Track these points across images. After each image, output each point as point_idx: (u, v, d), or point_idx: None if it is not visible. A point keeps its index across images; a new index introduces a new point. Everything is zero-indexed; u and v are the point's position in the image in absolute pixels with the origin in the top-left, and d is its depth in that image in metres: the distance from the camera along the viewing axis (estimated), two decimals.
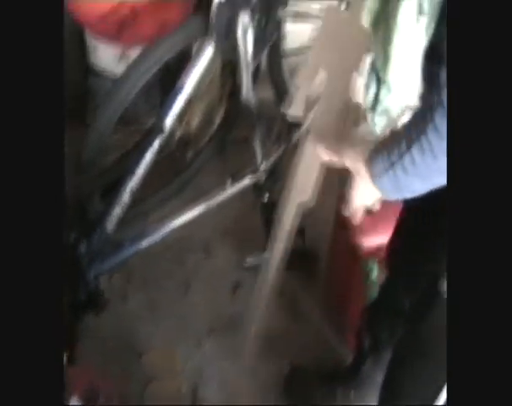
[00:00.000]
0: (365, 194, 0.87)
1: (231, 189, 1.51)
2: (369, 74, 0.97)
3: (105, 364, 1.41)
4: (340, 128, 0.97)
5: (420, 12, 0.85)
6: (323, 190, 1.02)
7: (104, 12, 1.51)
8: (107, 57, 1.78)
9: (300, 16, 1.54)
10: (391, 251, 1.17)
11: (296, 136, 1.54)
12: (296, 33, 1.75)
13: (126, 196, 1.32)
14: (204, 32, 1.30)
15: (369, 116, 1.00)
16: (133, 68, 1.38)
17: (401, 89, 0.95)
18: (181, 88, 1.33)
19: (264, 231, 1.55)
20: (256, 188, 1.57)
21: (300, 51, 1.78)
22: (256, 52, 1.33)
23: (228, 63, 1.55)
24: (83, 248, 1.29)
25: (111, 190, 1.37)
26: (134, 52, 1.61)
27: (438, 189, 0.76)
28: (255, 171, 1.54)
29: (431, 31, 0.84)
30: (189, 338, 1.53)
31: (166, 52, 1.36)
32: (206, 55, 1.31)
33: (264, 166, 1.53)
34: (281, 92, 1.84)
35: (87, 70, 1.86)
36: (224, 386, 1.45)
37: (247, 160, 1.54)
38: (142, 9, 1.50)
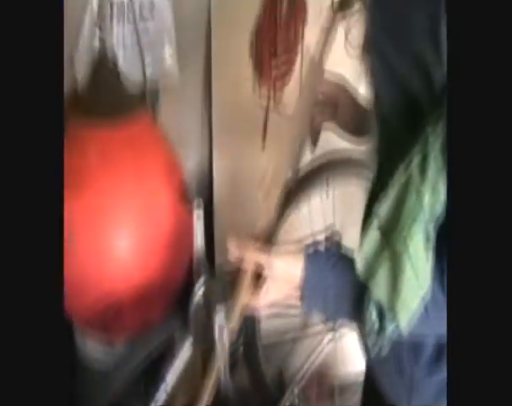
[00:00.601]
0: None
1: None
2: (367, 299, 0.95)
3: None
4: None
5: (427, 239, 0.89)
6: None
7: (89, 305, 1.64)
8: (94, 347, 1.87)
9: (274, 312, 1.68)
10: None
11: None
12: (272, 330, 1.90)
13: None
14: (184, 328, 1.42)
15: (370, 337, 0.96)
16: (119, 363, 1.47)
17: (409, 322, 0.93)
18: (163, 380, 1.41)
19: None
20: None
21: (275, 339, 1.90)
22: (232, 345, 1.43)
23: (208, 355, 1.65)
24: None
25: None
26: (120, 344, 1.72)
27: None
28: None
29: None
30: None
31: (148, 348, 1.46)
32: (186, 349, 1.42)
33: None
34: (257, 381, 1.92)
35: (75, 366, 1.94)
36: None
37: None
38: (126, 304, 1.63)
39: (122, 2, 1.84)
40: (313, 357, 1.73)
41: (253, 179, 2.20)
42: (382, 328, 0.93)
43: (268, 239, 1.16)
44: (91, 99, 1.75)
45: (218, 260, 2.10)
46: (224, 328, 1.39)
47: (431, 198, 0.86)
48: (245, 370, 1.93)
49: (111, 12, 1.82)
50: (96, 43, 1.82)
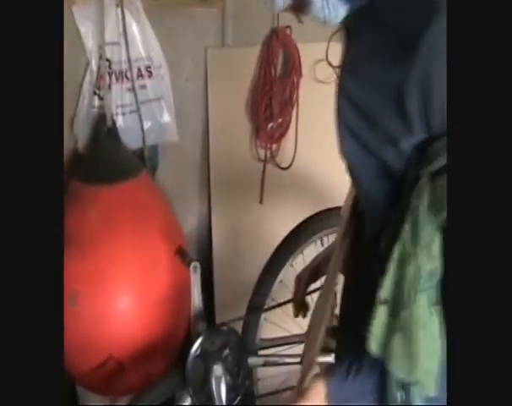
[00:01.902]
0: None
1: None
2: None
3: None
4: None
5: (432, 303, 0.88)
6: None
7: (93, 366, 1.66)
8: None
9: (270, 363, 1.70)
10: None
11: None
12: (268, 378, 1.91)
13: None
14: (182, 384, 1.44)
15: None
16: None
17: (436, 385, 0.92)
18: None
19: None
20: None
21: (273, 393, 1.91)
22: (230, 399, 1.45)
23: None
24: None
25: None
26: (122, 402, 1.74)
27: None
28: None
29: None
30: None
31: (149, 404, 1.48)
32: (185, 405, 1.44)
33: None
34: None
35: None
36: None
37: None
38: (128, 363, 1.66)
39: (120, 64, 1.91)
40: None
41: (251, 233, 2.24)
42: (410, 403, 0.93)
43: None
44: (92, 161, 1.81)
45: (217, 315, 2.13)
46: (221, 382, 1.41)
47: (428, 263, 0.85)
48: None
49: (110, 72, 1.90)
50: (96, 105, 1.89)
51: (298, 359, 1.54)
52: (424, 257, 0.85)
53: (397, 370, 0.92)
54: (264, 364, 1.65)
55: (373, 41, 0.89)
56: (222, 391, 1.42)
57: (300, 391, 1.02)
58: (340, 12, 0.88)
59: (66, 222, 1.63)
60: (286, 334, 1.76)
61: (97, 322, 1.59)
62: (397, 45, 0.82)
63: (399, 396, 0.93)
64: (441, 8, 0.76)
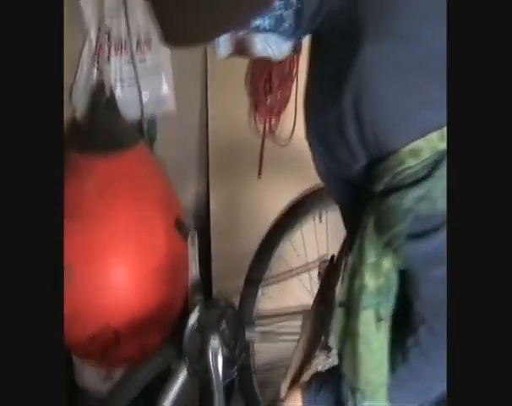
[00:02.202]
0: None
1: None
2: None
3: None
4: None
5: (378, 319, 0.88)
6: None
7: (89, 335, 1.66)
8: (93, 377, 1.89)
9: (268, 336, 1.70)
10: None
11: None
12: (265, 351, 1.91)
13: None
14: (179, 355, 1.44)
15: None
16: (115, 391, 1.49)
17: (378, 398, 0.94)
18: None
19: None
20: None
21: (270, 367, 1.92)
22: (227, 372, 1.45)
23: (204, 382, 1.67)
24: None
25: None
26: (118, 373, 1.74)
27: None
28: None
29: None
30: None
31: (145, 376, 1.48)
32: (181, 377, 1.44)
33: None
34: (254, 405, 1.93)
35: (72, 389, 1.96)
36: None
37: None
38: (124, 333, 1.66)
39: (120, 36, 1.89)
40: None
41: (250, 207, 2.23)
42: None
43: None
44: (89, 131, 1.79)
45: (215, 288, 2.13)
46: (218, 355, 1.41)
47: (374, 280, 0.86)
48: (241, 400, 1.94)
49: (109, 44, 1.87)
50: (94, 75, 1.86)
51: (295, 336, 1.54)
52: (370, 274, 0.86)
53: (346, 372, 0.95)
54: (261, 340, 1.65)
55: (319, 69, 0.90)
56: (219, 363, 1.42)
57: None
58: (283, 48, 0.88)
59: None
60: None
61: (93, 292, 1.59)
62: (334, 75, 0.82)
63: (350, 397, 0.95)
64: (367, 40, 0.77)
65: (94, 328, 1.62)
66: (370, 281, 0.86)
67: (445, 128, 0.74)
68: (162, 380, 1.56)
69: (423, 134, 0.76)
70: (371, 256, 0.85)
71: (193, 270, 1.50)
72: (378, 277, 0.86)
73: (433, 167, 0.76)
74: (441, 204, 0.75)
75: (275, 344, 1.78)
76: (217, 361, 1.42)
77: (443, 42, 0.73)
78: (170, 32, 0.73)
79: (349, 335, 0.92)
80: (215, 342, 1.42)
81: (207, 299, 1.51)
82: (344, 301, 0.93)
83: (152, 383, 1.60)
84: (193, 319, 1.43)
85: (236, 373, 1.49)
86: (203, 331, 1.42)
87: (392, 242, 0.82)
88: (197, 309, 1.44)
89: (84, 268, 1.57)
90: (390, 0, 0.79)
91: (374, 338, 0.89)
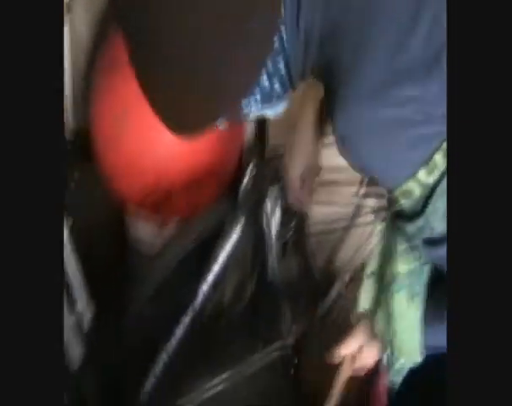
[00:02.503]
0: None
1: (260, 361, 1.53)
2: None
3: None
4: None
5: (411, 296, 0.92)
6: None
7: (143, 183, 1.64)
8: (146, 232, 1.89)
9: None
10: None
11: (322, 309, 1.58)
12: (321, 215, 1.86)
13: (158, 370, 1.36)
14: (235, 211, 1.41)
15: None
16: (169, 246, 1.48)
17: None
18: (214, 263, 1.42)
19: None
20: (283, 360, 1.59)
21: (324, 231, 1.88)
22: (281, 231, 1.41)
23: (257, 240, 1.64)
24: None
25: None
26: (171, 228, 1.74)
27: None
28: (283, 344, 1.57)
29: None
30: None
31: (199, 232, 1.46)
32: (236, 231, 1.41)
33: (290, 339, 1.56)
34: (306, 267, 1.91)
35: (126, 245, 1.97)
36: None
37: (275, 333, 1.57)
38: (177, 185, 1.63)
39: None
40: (363, 247, 1.71)
41: None
42: (391, 363, 0.98)
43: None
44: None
45: (270, 143, 2.06)
46: (274, 212, 1.37)
47: (406, 265, 0.91)
48: (294, 260, 1.92)
49: None
50: None
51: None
52: (402, 261, 0.92)
53: (380, 334, 0.98)
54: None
55: None
56: (274, 223, 1.38)
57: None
58: (279, 109, 0.89)
59: (115, 46, 1.55)
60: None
61: (147, 142, 1.54)
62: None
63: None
64: (336, 106, 0.78)
65: (147, 178, 1.59)
66: (402, 266, 0.91)
67: (431, 161, 0.74)
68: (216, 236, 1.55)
69: (413, 174, 0.76)
70: (402, 243, 0.91)
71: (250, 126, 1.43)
72: (409, 263, 0.91)
73: (424, 204, 0.78)
74: (442, 229, 0.77)
75: (328, 209, 1.72)
76: (272, 218, 1.38)
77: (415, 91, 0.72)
78: (173, 126, 0.81)
79: (381, 307, 0.96)
80: (270, 199, 1.38)
81: (263, 154, 1.45)
82: (375, 273, 0.98)
83: (206, 239, 1.59)
84: (248, 174, 1.38)
85: (290, 232, 1.47)
86: (259, 187, 1.37)
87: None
88: (253, 164, 1.38)
89: (138, 118, 1.52)
90: (350, 62, 0.77)
91: (406, 312, 0.92)
